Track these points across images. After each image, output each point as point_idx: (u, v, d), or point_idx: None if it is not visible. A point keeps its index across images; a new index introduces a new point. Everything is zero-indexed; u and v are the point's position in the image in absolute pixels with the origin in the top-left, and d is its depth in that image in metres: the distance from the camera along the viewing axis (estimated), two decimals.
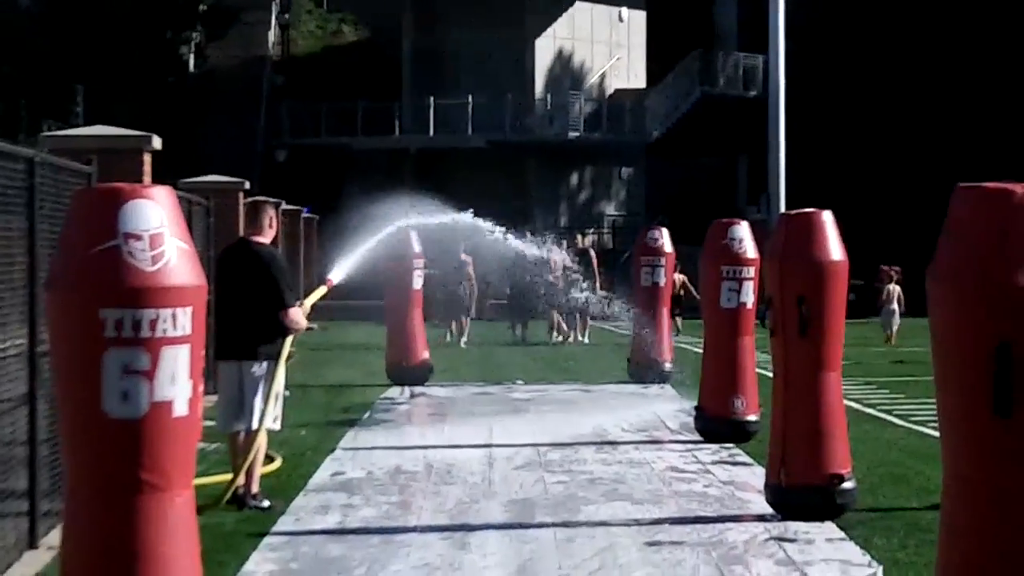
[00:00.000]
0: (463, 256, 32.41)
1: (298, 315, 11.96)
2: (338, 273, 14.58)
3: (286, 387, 12.39)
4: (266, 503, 11.69)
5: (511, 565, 9.66)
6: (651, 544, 10.31)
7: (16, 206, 9.84)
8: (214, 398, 12.04)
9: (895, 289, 31.63)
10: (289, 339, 11.87)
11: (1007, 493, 6.17)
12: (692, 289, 30.87)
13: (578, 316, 32.11)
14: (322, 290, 13.86)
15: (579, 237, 33.49)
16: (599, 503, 11.99)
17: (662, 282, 21.88)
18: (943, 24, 50.21)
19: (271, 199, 14.07)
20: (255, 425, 11.64)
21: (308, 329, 12.31)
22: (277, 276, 11.85)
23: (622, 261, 34.89)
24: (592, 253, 34.03)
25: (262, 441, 11.73)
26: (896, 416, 17.47)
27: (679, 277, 30.54)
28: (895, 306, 31.39)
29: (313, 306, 12.91)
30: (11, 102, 46.41)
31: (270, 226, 12.30)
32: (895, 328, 31.25)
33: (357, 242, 15.22)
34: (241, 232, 14.33)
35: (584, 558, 9.85)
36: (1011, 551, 6.14)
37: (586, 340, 31.80)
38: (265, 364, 11.73)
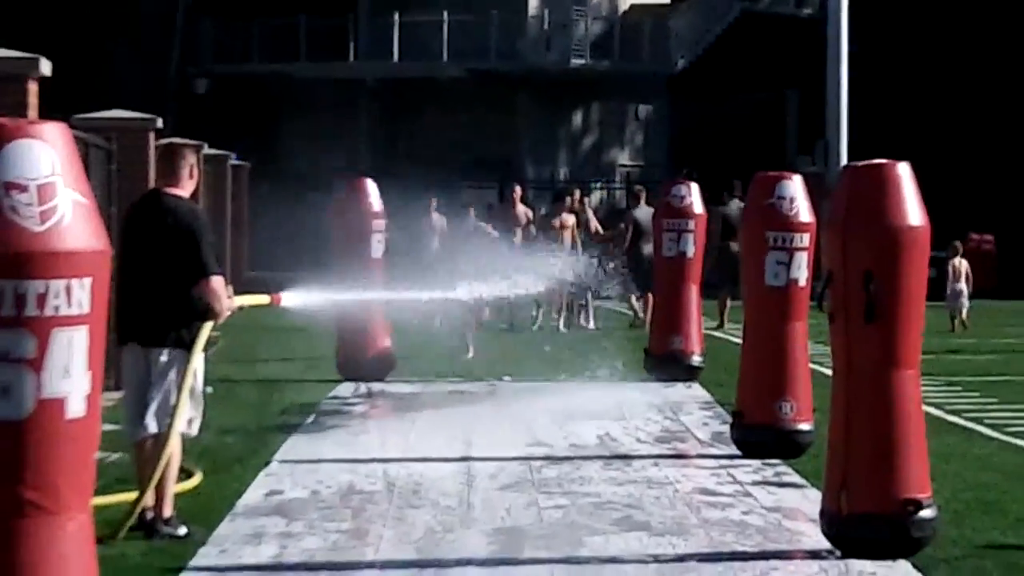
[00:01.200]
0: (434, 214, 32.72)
1: (222, 288, 11.87)
2: (292, 298, 14.26)
3: (207, 382, 12.39)
4: (182, 530, 11.68)
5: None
6: None
7: None
8: (117, 395, 12.02)
9: (962, 264, 31.58)
10: (210, 322, 11.86)
11: None
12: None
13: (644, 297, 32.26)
14: (262, 299, 13.65)
15: (575, 195, 33.22)
16: (608, 534, 11.97)
17: (690, 252, 21.89)
18: None
19: (190, 141, 14.04)
20: (166, 429, 11.63)
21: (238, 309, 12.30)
22: (199, 238, 11.72)
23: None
24: (589, 214, 33.90)
25: (175, 450, 11.71)
26: (987, 426, 17.50)
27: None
28: (962, 285, 31.29)
29: (241, 308, 12.82)
30: None
31: (190, 176, 12.24)
32: (964, 313, 31.18)
33: (332, 284, 14.99)
34: (152, 183, 14.30)
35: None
36: None
37: (591, 326, 31.86)
38: (178, 351, 11.72)
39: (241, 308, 12.45)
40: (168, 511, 11.73)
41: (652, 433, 17.20)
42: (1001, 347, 25.67)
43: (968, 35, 49.84)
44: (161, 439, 11.61)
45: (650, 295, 27.34)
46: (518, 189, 34.85)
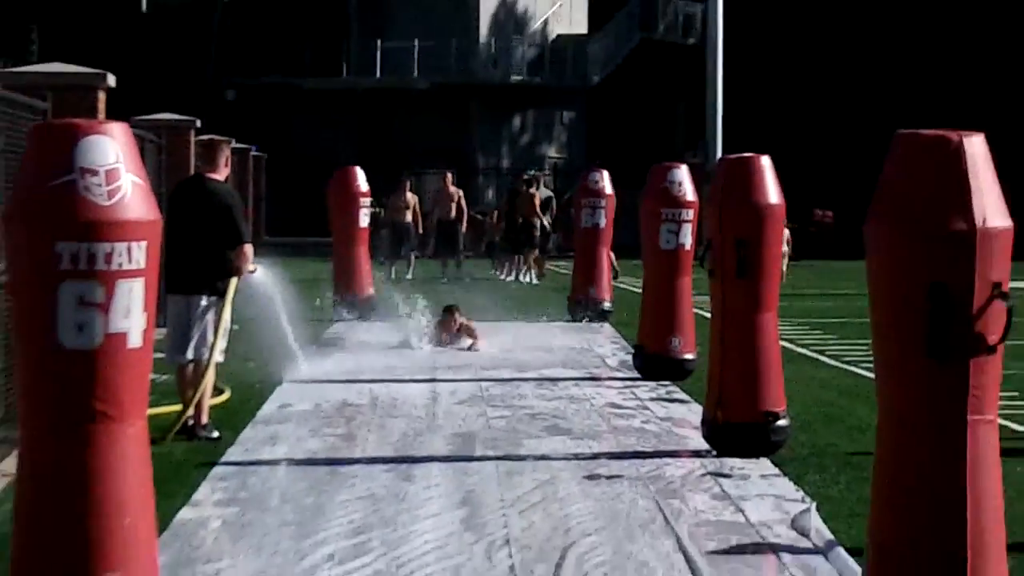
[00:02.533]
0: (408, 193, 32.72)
1: (251, 252, 11.93)
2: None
3: (234, 321, 12.31)
4: (215, 434, 11.69)
5: (454, 496, 9.66)
6: (590, 478, 10.33)
7: None
8: (163, 331, 11.97)
9: (783, 232, 31.37)
10: (236, 278, 11.83)
11: (941, 432, 6.25)
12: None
13: (523, 255, 32.20)
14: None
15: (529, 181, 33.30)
16: (540, 438, 12.00)
17: (602, 223, 21.93)
18: None
19: (223, 137, 13.92)
20: (205, 357, 11.62)
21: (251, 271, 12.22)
22: (235, 213, 11.88)
23: (564, 201, 34.73)
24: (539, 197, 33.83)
25: (210, 373, 11.71)
26: (828, 357, 17.58)
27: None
28: (785, 247, 31.22)
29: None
30: None
31: (225, 164, 12.29)
32: (785, 267, 31.02)
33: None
34: (193, 169, 14.20)
35: (525, 491, 9.86)
36: (943, 488, 6.23)
37: (534, 280, 31.73)
38: (213, 298, 11.71)
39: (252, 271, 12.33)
40: (205, 419, 11.74)
41: (573, 361, 17.19)
42: (839, 296, 25.73)
43: (811, 63, 50.03)
44: (200, 365, 11.62)
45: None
46: (448, 176, 34.92)
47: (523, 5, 52.12)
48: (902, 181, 6.35)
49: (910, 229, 6.26)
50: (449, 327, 17.51)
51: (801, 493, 9.66)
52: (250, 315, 13.82)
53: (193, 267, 11.58)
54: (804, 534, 8.61)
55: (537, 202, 32.67)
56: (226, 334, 11.86)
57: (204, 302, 11.68)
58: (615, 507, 9.42)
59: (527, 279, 31.85)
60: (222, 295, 11.70)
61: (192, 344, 11.69)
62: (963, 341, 6.17)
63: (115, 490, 6.01)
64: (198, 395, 11.56)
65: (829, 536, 8.43)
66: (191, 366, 11.76)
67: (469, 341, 17.42)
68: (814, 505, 9.07)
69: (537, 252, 32.59)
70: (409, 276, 31.88)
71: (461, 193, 34.33)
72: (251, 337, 14.49)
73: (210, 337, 11.62)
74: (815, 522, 8.71)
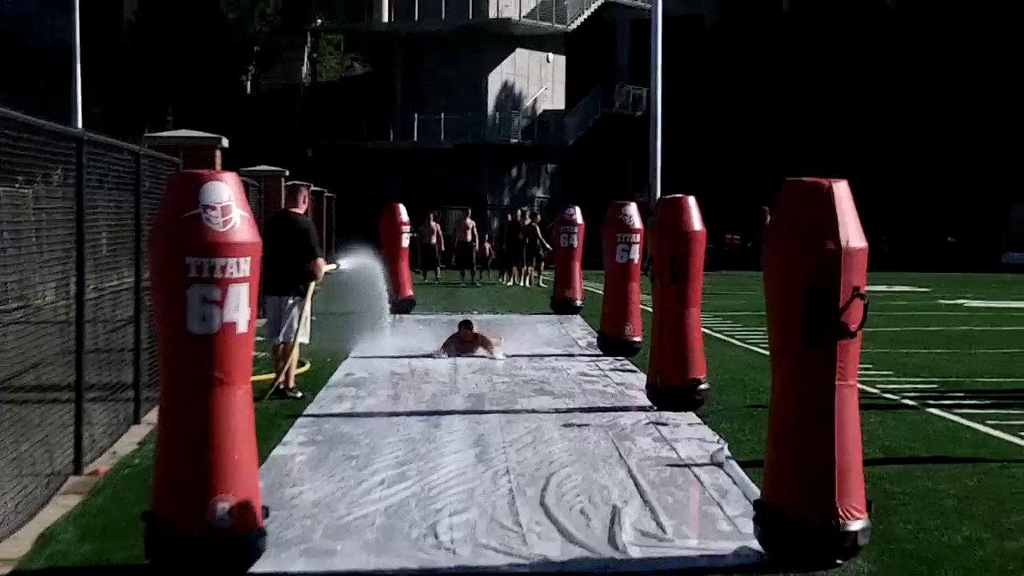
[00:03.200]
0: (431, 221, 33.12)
1: (323, 264, 12.00)
2: (345, 263, 14.25)
3: (313, 313, 12.35)
4: (299, 394, 11.69)
5: (469, 439, 9.66)
6: (566, 426, 10.35)
7: (127, 185, 9.86)
8: (262, 321, 11.96)
9: None
10: (313, 283, 11.89)
11: (817, 393, 6.30)
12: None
13: (521, 266, 32.20)
14: (332, 266, 13.41)
15: (520, 214, 33.41)
16: (531, 396, 12.01)
17: (575, 244, 21.97)
18: (770, 71, 50.49)
19: (304, 183, 13.94)
20: (291, 340, 11.65)
21: (328, 273, 12.31)
22: (311, 236, 11.95)
23: (547, 228, 34.72)
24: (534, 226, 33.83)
25: (295, 351, 11.75)
26: (736, 339, 17.54)
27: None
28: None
29: (327, 272, 12.72)
30: (122, 112, 46.39)
31: (304, 202, 12.30)
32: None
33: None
34: (283, 205, 14.22)
35: (519, 435, 9.87)
36: (819, 430, 6.27)
37: (527, 284, 31.72)
38: (297, 298, 11.74)
39: (327, 273, 12.40)
40: (292, 384, 11.74)
41: (554, 343, 17.18)
42: (744, 296, 25.67)
43: (722, 131, 50.08)
44: (288, 345, 11.63)
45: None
46: (468, 211, 35.34)
47: (519, 88, 52.05)
48: (789, 214, 6.40)
49: (795, 248, 6.31)
50: (465, 340, 15.30)
51: (717, 436, 9.68)
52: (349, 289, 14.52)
53: (282, 276, 11.60)
54: (719, 464, 8.62)
55: (538, 229, 32.73)
56: (307, 323, 11.91)
57: (290, 301, 11.74)
58: (584, 446, 9.44)
59: (524, 284, 31.84)
60: (303, 295, 11.76)
61: (282, 331, 11.72)
62: (832, 329, 6.22)
63: (234, 435, 6.02)
64: (286, 367, 11.59)
65: (734, 462, 8.46)
66: (282, 346, 11.78)
67: (484, 351, 15.06)
68: (726, 445, 9.09)
69: (535, 264, 32.82)
70: (437, 280, 32.01)
71: (475, 224, 34.47)
72: (324, 324, 14.46)
73: (295, 325, 11.66)
74: (726, 455, 8.75)
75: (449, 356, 14.79)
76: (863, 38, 50.34)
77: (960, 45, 49.10)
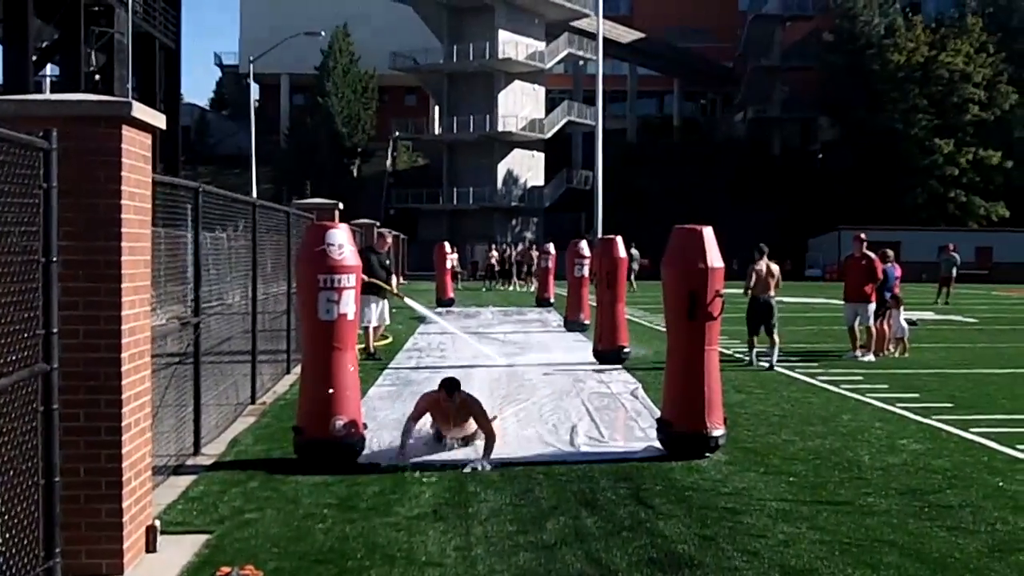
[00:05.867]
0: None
1: (395, 280, 11.67)
2: (411, 302, 12.54)
3: (392, 308, 11.96)
4: (379, 357, 11.40)
5: (486, 382, 9.53)
6: (546, 374, 10.25)
7: (282, 231, 9.80)
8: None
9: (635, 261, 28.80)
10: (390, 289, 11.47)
11: (694, 353, 6.23)
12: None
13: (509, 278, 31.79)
14: (391, 287, 11.66)
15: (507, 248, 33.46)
16: (520, 355, 11.83)
17: (550, 265, 21.21)
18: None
19: (388, 230, 13.82)
20: (383, 322, 11.47)
21: (396, 294, 11.70)
22: (389, 265, 11.68)
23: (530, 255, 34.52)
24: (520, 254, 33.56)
25: (372, 335, 11.53)
26: (645, 322, 17.29)
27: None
28: (635, 266, 28.68)
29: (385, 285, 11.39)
30: (280, 188, 46.83)
31: (385, 241, 12.14)
32: (633, 281, 29.53)
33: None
34: (374, 243, 14.16)
35: (520, 384, 9.81)
36: (694, 378, 6.21)
37: (518, 289, 31.42)
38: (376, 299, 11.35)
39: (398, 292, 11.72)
40: (374, 350, 11.53)
41: (538, 324, 17.01)
42: (652, 296, 25.34)
43: (640, 194, 49.81)
44: (378, 328, 11.49)
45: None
46: (494, 246, 34.56)
47: (516, 173, 51.82)
48: (678, 246, 6.35)
49: (682, 266, 6.26)
50: (446, 410, 6.26)
51: (635, 379, 9.62)
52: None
53: (368, 286, 11.34)
54: (636, 397, 8.59)
55: (534, 255, 32.48)
56: (383, 316, 11.56)
57: (374, 301, 11.34)
58: (555, 381, 9.38)
59: (522, 289, 31.58)
60: (380, 297, 11.39)
61: (374, 318, 11.54)
62: (703, 313, 6.17)
63: (342, 379, 5.94)
64: (374, 340, 11.40)
65: (645, 394, 8.42)
66: (374, 328, 11.57)
67: (473, 428, 6.29)
68: (640, 386, 9.04)
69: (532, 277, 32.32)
70: (459, 287, 31.74)
71: (496, 254, 33.74)
72: (399, 314, 14.26)
73: (385, 315, 11.47)
74: (641, 392, 8.71)
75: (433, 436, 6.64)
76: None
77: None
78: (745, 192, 49.90)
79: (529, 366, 10.91)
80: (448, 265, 22.51)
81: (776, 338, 11.08)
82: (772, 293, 11.20)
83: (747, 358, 11.18)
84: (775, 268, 11.19)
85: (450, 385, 6.12)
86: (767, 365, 10.96)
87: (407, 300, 11.64)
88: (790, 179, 50.85)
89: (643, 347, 12.61)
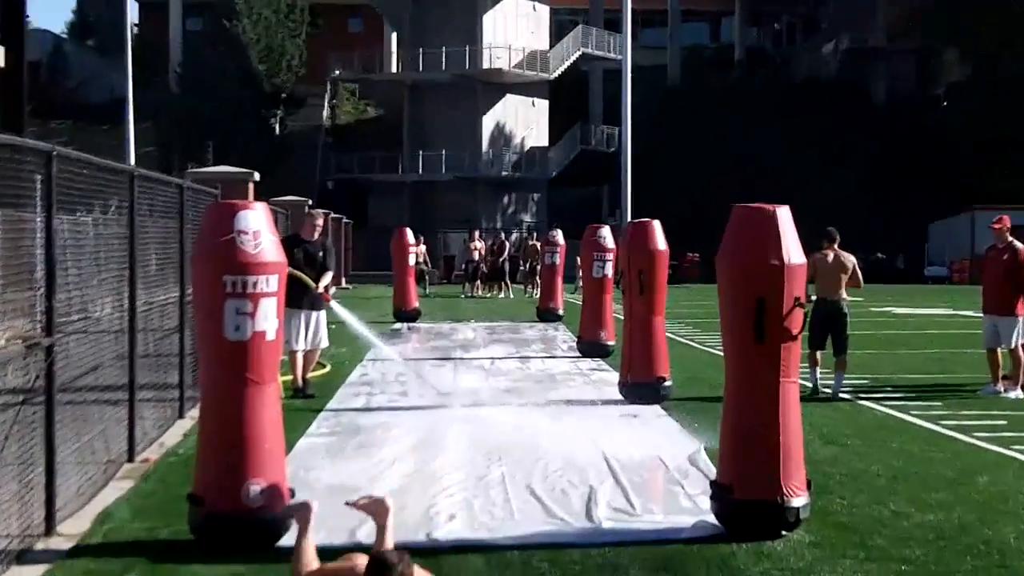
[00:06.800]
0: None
1: (324, 283, 11.31)
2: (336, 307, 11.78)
3: (330, 323, 11.83)
4: (312, 392, 11.45)
5: (465, 432, 9.58)
6: (553, 418, 10.27)
7: (172, 213, 9.84)
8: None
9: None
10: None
11: (763, 388, 6.28)
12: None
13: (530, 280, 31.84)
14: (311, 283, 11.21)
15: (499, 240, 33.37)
16: (526, 391, 12.01)
17: (558, 262, 21.95)
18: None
19: (324, 210, 13.89)
20: (319, 345, 11.59)
21: (322, 294, 11.27)
22: (325, 262, 11.46)
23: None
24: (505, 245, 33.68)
25: (313, 357, 11.67)
26: (695, 343, 17.54)
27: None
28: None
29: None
30: (169, 151, 46.82)
31: (318, 225, 11.87)
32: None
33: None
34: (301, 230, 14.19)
35: (515, 433, 9.87)
36: (766, 420, 6.27)
37: (511, 296, 31.61)
38: (321, 313, 11.51)
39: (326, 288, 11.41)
40: (303, 384, 11.54)
41: (540, 345, 17.16)
42: (704, 306, 25.62)
43: (684, 163, 50.14)
44: (312, 353, 11.55)
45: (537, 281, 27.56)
46: (476, 233, 34.51)
47: (509, 129, 52.14)
48: (740, 234, 6.41)
49: (745, 264, 6.31)
50: None
51: (678, 424, 9.66)
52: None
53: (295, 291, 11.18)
54: (695, 465, 8.62)
55: (538, 248, 32.67)
56: (324, 334, 11.62)
57: (317, 314, 11.48)
58: (565, 429, 9.39)
59: (526, 296, 31.64)
60: (320, 309, 11.46)
61: (305, 338, 11.55)
62: (776, 332, 6.23)
63: (258, 427, 6.00)
64: (301, 369, 11.41)
65: (697, 452, 8.45)
66: (301, 353, 11.48)
67: None
68: (686, 433, 9.07)
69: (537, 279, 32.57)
70: (428, 293, 31.53)
71: (481, 245, 33.85)
72: (340, 334, 14.37)
73: (322, 334, 11.54)
74: (688, 442, 8.74)
75: None
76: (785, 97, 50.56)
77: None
78: (836, 156, 50.15)
79: (526, 406, 10.96)
80: (412, 261, 22.53)
81: (845, 359, 11.24)
82: (843, 294, 11.29)
83: (810, 384, 11.27)
84: (849, 260, 11.29)
85: (382, 570, 3.96)
86: (830, 392, 11.04)
87: (336, 307, 11.20)
88: (900, 137, 51.06)
89: (687, 379, 12.68)
